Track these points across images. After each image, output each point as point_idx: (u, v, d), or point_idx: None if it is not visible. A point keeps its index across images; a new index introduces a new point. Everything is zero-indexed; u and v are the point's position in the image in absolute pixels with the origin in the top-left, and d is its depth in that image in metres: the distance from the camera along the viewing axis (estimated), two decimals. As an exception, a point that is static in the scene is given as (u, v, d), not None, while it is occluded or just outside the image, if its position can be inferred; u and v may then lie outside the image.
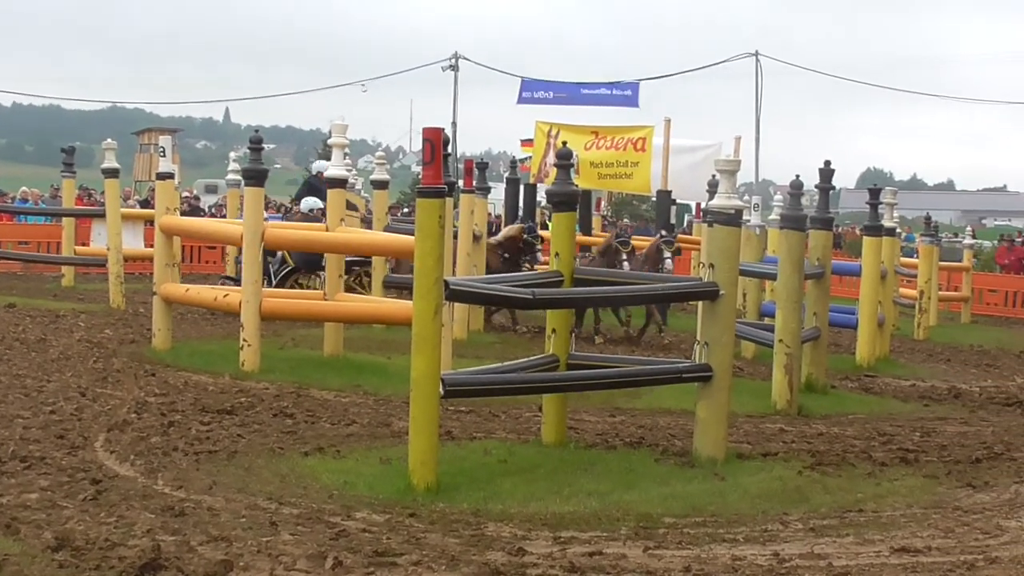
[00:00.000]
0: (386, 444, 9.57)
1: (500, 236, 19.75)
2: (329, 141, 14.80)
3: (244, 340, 13.03)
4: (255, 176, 13.31)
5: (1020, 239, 36.92)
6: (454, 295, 8.41)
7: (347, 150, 15.63)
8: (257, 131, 13.58)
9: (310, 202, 20.03)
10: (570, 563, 6.51)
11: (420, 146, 8.40)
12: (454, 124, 55.58)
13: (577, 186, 10.57)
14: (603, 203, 36.64)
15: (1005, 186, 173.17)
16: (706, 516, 7.82)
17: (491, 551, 6.72)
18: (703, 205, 17.57)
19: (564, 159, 10.11)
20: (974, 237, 32.67)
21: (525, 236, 19.19)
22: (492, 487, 8.33)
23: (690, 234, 28.11)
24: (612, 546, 6.95)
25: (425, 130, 8.05)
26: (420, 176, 8.40)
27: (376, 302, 14.81)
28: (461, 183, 17.98)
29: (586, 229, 24.40)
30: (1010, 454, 10.55)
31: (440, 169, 8.12)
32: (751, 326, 15.52)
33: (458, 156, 50.10)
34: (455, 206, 19.91)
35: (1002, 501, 8.74)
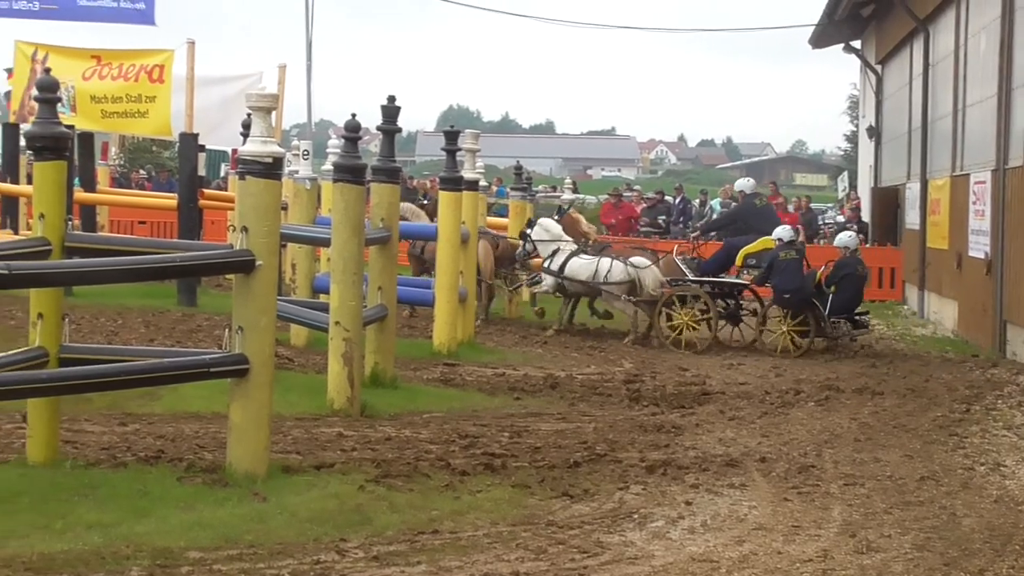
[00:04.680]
0: None
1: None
2: None
3: None
4: None
5: (630, 193, 38.76)
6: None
7: None
8: None
9: None
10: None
11: None
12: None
13: (71, 127, 10.34)
14: (112, 149, 35.97)
15: (613, 129, 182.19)
16: (242, 548, 7.86)
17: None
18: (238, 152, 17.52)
19: (48, 90, 9.86)
20: (576, 191, 34.04)
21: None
22: (-42, 525, 8.05)
23: (226, 189, 28.04)
24: (119, 592, 6.87)
25: None
26: None
27: None
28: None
29: (89, 183, 23.90)
30: (614, 455, 11.13)
31: None
32: (301, 305, 15.60)
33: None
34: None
35: (604, 512, 9.22)
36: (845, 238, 20.75)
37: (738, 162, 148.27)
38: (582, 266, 20.57)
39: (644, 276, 20.00)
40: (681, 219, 34.90)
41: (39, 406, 9.60)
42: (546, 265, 20.90)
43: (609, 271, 20.19)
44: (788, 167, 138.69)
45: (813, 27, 36.10)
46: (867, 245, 31.07)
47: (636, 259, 20.24)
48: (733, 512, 9.32)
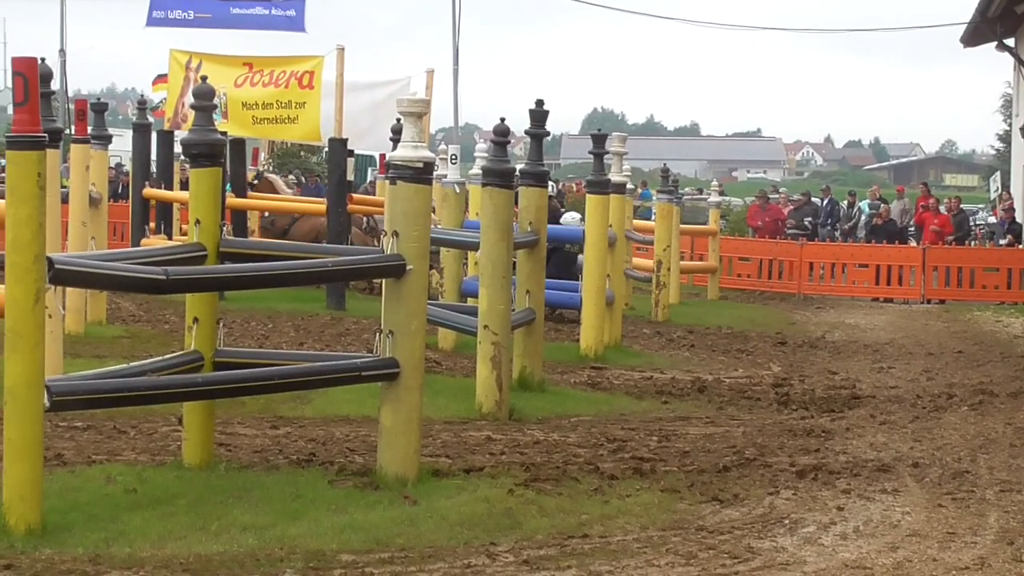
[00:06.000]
0: (-27, 475, 9.28)
1: None
2: None
3: None
4: None
5: (776, 195, 38.50)
6: (61, 277, 8.20)
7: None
8: None
9: None
10: (218, 619, 6.48)
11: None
12: (62, 52, 54.03)
13: (224, 133, 10.47)
14: (262, 155, 36.44)
15: (759, 130, 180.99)
16: (394, 551, 7.89)
17: (114, 609, 6.61)
18: (387, 157, 17.67)
19: (204, 98, 9.98)
20: (722, 193, 33.88)
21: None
22: (117, 525, 8.18)
23: (373, 194, 28.25)
24: (274, 594, 6.95)
25: (16, 61, 7.80)
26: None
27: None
28: (72, 130, 17.52)
29: (240, 189, 24.23)
30: (764, 459, 11.04)
31: (37, 111, 7.90)
32: (449, 309, 15.69)
33: (69, 95, 48.81)
34: (64, 160, 19.52)
35: (754, 517, 9.14)
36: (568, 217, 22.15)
37: (886, 163, 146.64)
38: None
39: None
40: (829, 221, 34.58)
41: (195, 409, 9.73)
42: None
43: None
44: (937, 167, 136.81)
45: (964, 25, 35.60)
46: (1021, 246, 30.59)
47: None
48: (886, 518, 9.19)
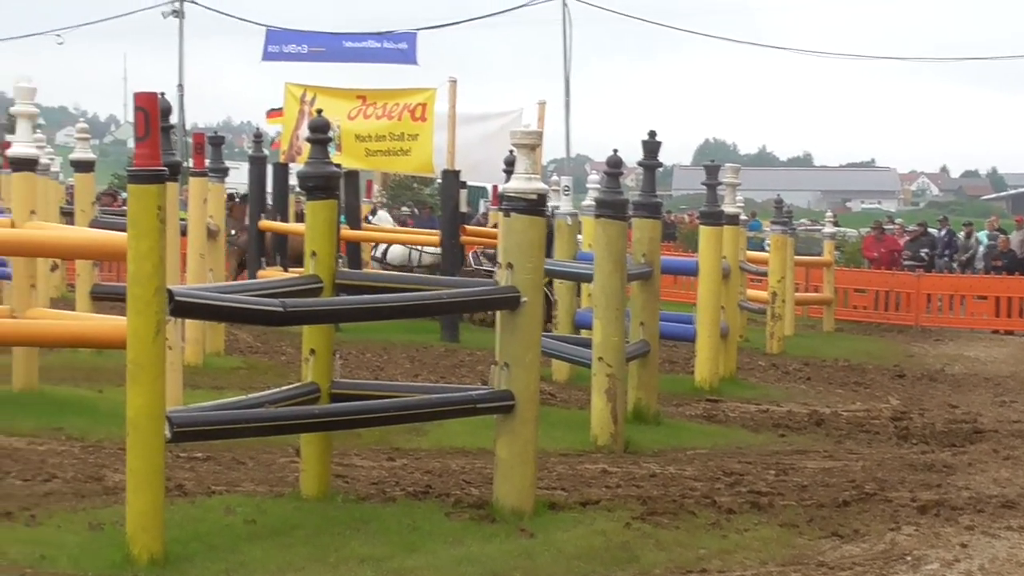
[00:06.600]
0: (96, 504, 9.39)
1: None
2: (12, 109, 14.46)
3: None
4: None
5: (892, 226, 38.15)
6: (181, 309, 8.29)
7: (38, 121, 15.27)
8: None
9: None
10: (337, 651, 6.50)
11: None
12: (180, 87, 54.87)
13: (338, 166, 10.54)
14: (375, 187, 36.67)
15: (873, 160, 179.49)
16: (511, 583, 7.88)
17: (235, 640, 6.65)
18: (500, 189, 17.72)
19: (319, 131, 10.06)
20: (836, 224, 33.64)
21: None
22: (237, 556, 8.25)
23: (485, 225, 28.34)
24: (391, 627, 6.96)
25: (137, 96, 7.92)
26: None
27: (81, 320, 14.49)
28: (190, 163, 17.74)
29: (354, 221, 24.41)
30: (884, 494, 10.89)
31: (157, 146, 7.99)
32: (563, 341, 15.69)
33: (187, 129, 49.48)
34: (182, 193, 19.71)
35: (875, 553, 9.02)
36: None
37: (1004, 193, 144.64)
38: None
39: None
40: (946, 252, 34.17)
41: (312, 441, 9.79)
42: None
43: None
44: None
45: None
46: None
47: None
48: (1012, 556, 9.03)
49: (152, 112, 7.96)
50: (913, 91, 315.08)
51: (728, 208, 18.22)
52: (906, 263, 32.71)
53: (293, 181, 25.47)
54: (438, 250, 23.56)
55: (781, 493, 10.80)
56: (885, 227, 36.44)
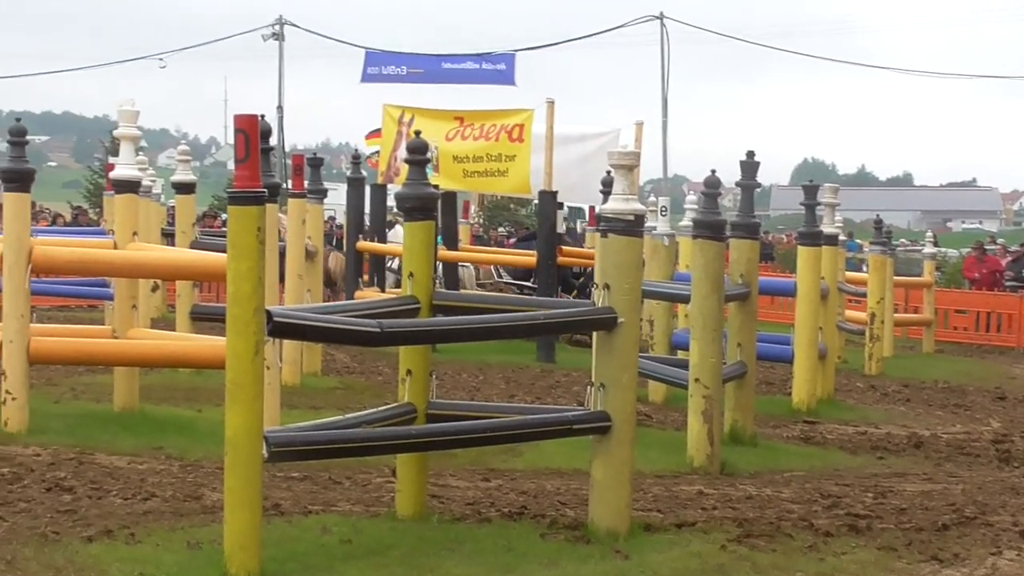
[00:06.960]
0: (195, 523, 9.45)
1: None
2: (116, 132, 14.65)
3: (7, 392, 12.79)
4: (16, 178, 13.09)
5: (993, 246, 37.76)
6: (280, 329, 8.36)
7: (141, 143, 15.46)
8: (19, 119, 13.36)
9: None
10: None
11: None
12: (280, 109, 55.41)
13: (436, 187, 10.58)
14: (472, 208, 36.78)
15: (974, 180, 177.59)
16: (606, 605, 7.86)
17: (331, 659, 6.68)
18: (597, 209, 17.72)
19: (417, 152, 10.10)
20: (936, 244, 33.34)
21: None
22: (332, 575, 8.28)
23: (582, 245, 28.33)
24: (487, 647, 6.97)
25: (237, 118, 7.99)
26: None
27: (180, 340, 14.65)
28: (289, 184, 17.88)
29: (451, 242, 24.48)
30: (984, 518, 10.76)
31: (257, 167, 8.06)
32: (660, 362, 15.66)
33: (285, 150, 49.87)
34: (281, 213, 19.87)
35: (976, 578, 8.93)
36: None
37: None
38: None
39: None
40: (1049, 273, 33.75)
41: (408, 461, 9.82)
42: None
43: None
44: None
45: None
46: None
47: None
48: (1114, 581, 8.91)
49: (252, 134, 8.03)
50: (1015, 110, 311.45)
51: (827, 228, 18.11)
52: (1008, 284, 32.35)
53: (391, 202, 25.71)
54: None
55: (879, 516, 10.69)
56: (987, 247, 36.07)
